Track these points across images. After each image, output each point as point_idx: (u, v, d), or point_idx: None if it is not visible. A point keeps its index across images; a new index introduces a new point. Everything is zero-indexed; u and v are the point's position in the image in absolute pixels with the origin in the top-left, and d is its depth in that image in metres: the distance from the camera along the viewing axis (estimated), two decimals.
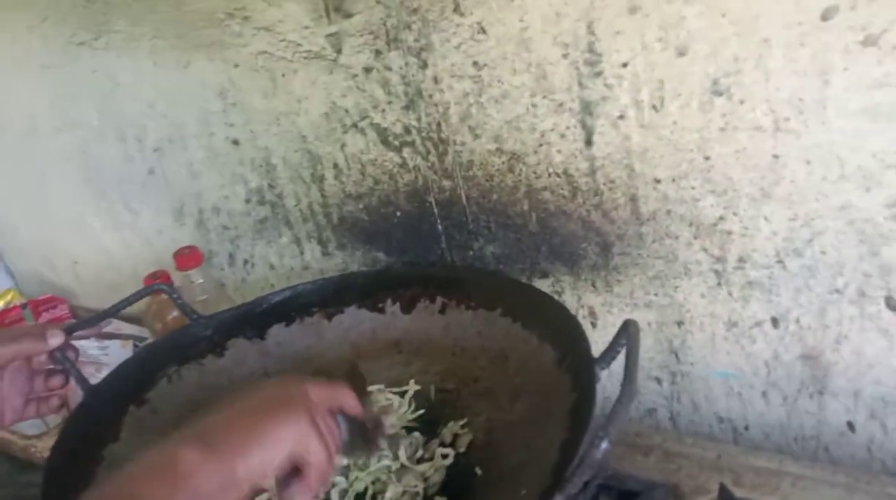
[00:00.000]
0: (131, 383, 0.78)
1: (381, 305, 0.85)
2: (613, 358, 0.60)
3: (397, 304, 0.85)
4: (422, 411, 0.75)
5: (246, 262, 1.11)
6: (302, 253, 1.04)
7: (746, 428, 0.80)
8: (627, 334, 0.58)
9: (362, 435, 0.64)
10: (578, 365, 0.63)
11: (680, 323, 0.79)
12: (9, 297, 1.29)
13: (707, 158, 0.69)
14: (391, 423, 0.73)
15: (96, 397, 0.75)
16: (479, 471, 0.67)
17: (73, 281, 1.35)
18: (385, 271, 0.95)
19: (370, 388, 0.76)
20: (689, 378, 0.81)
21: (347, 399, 0.61)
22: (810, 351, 0.73)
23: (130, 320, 1.14)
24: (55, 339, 0.73)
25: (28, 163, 1.27)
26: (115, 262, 1.26)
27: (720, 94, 0.66)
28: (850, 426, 0.74)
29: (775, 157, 0.66)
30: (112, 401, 0.75)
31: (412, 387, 0.77)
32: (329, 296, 0.86)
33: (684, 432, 0.83)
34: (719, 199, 0.71)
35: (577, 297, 0.84)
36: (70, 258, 1.34)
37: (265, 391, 0.57)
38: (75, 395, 0.86)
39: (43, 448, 1.04)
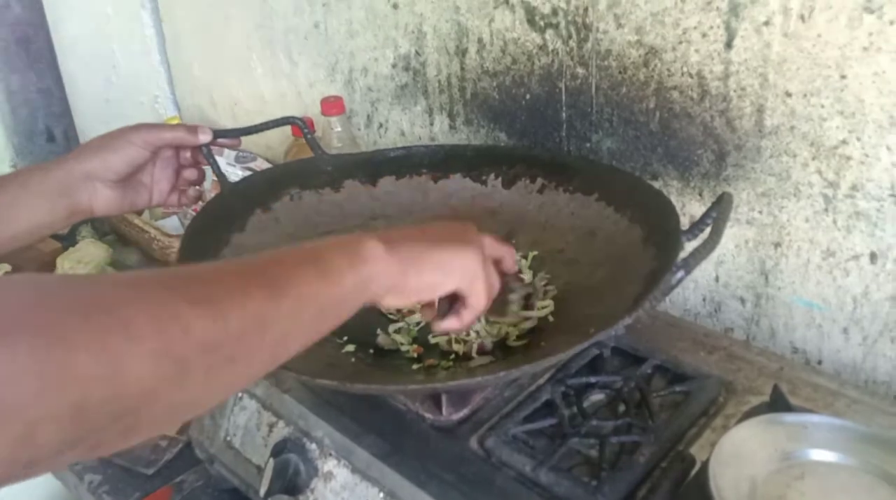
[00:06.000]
0: (261, 190, 0.87)
1: (484, 177, 0.91)
2: (701, 230, 0.62)
3: (499, 179, 0.90)
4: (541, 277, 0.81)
5: (381, 125, 1.19)
6: (432, 124, 1.10)
7: (819, 362, 0.81)
8: (720, 205, 0.59)
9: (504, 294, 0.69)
10: (665, 236, 0.66)
11: (777, 245, 0.79)
12: (173, 122, 1.44)
13: (843, 77, 0.69)
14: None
15: (232, 192, 0.85)
16: (551, 318, 0.73)
17: (229, 120, 1.49)
18: (493, 147, 1.01)
19: None
20: (772, 303, 0.82)
21: (508, 258, 0.66)
22: None
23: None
24: (205, 135, 0.83)
25: (216, 4, 1.39)
26: (269, 108, 1.37)
27: (871, 11, 0.65)
28: None
29: None
30: (244, 199, 0.85)
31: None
32: (439, 161, 0.92)
33: None
34: (846, 121, 0.70)
35: (681, 204, 0.85)
36: (231, 99, 1.47)
37: (445, 225, 0.62)
38: (208, 196, 0.98)
39: None
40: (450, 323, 0.61)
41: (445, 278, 0.56)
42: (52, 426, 0.32)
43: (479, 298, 0.59)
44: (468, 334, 0.73)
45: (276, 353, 0.45)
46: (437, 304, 0.61)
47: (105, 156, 0.77)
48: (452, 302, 0.61)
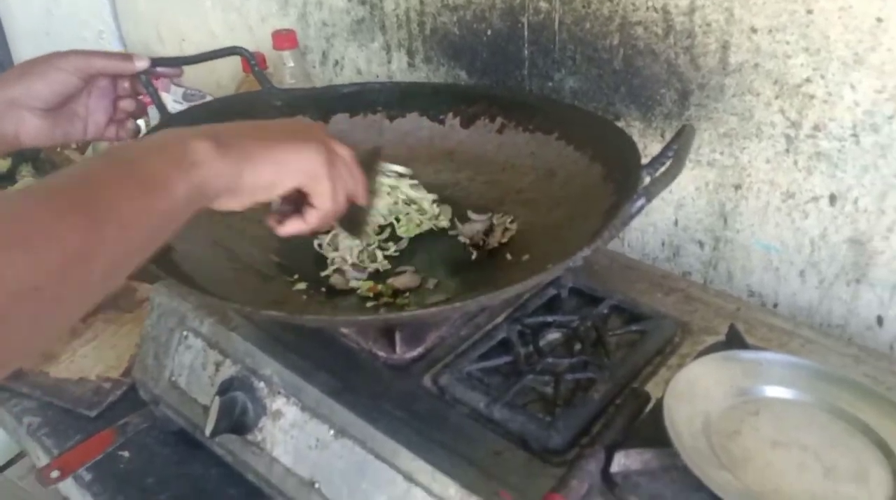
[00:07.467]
0: (205, 123, 0.83)
1: (442, 117, 0.88)
2: (662, 164, 0.60)
3: (458, 118, 0.87)
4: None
5: (336, 63, 1.14)
6: (389, 61, 1.06)
7: (775, 305, 0.81)
8: (681, 137, 0.58)
9: (354, 217, 0.65)
10: (624, 172, 0.64)
11: (738, 187, 0.79)
12: None
13: (809, 12, 0.67)
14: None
15: (172, 124, 0.80)
16: (508, 256, 0.71)
17: None
18: (452, 85, 0.98)
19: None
20: (731, 246, 0.82)
21: (360, 187, 0.61)
22: (860, 236, 0.72)
23: None
24: (142, 62, 0.78)
25: None
26: (218, 43, 1.31)
27: None
28: (880, 320, 0.74)
29: (878, 20, 0.64)
30: None
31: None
32: (395, 99, 0.89)
33: None
34: (811, 58, 0.69)
35: (643, 145, 0.84)
36: (179, 35, 1.41)
37: (287, 122, 0.57)
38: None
39: None
40: (294, 225, 0.57)
41: (284, 177, 0.52)
42: None
43: (323, 198, 0.55)
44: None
45: (107, 281, 0.41)
46: (275, 205, 0.57)
47: (29, 82, 0.71)
48: (297, 202, 0.56)
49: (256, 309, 0.54)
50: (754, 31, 0.71)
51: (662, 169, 0.56)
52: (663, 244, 0.88)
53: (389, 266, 0.74)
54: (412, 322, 0.65)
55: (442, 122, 0.88)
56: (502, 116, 0.84)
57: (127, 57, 0.77)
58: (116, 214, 0.40)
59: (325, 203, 0.56)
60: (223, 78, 1.30)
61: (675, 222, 0.85)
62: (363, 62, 1.10)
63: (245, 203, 0.52)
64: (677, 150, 0.56)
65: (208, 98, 1.27)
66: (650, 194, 0.49)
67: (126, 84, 0.80)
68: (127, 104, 0.80)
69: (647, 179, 0.61)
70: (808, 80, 0.70)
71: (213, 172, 0.47)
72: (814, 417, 0.56)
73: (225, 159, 0.48)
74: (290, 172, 0.53)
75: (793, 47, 0.69)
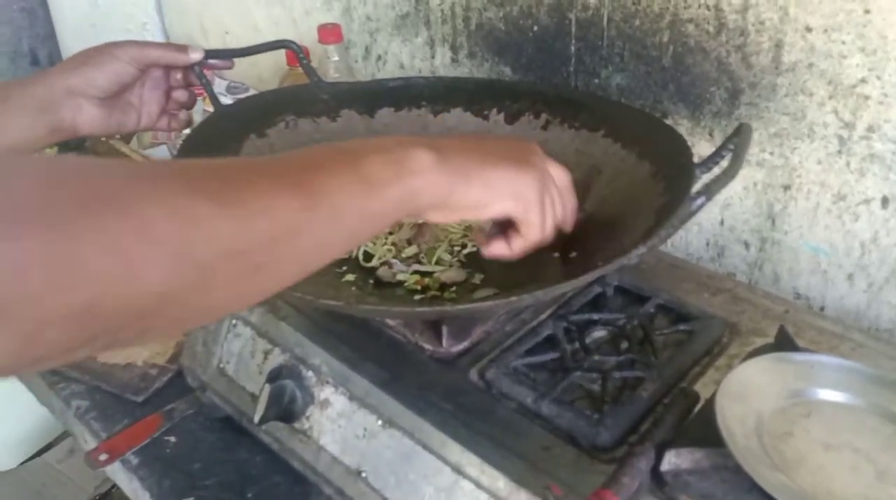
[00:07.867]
0: (255, 115, 0.84)
1: (486, 112, 0.88)
2: (716, 163, 0.60)
3: (502, 114, 0.87)
4: None
5: (379, 58, 1.15)
6: (433, 56, 1.07)
7: (822, 309, 0.80)
8: (739, 136, 0.57)
9: None
10: (676, 170, 0.64)
11: (787, 188, 0.78)
12: None
13: (867, 12, 0.66)
14: None
15: (225, 115, 0.82)
16: (556, 255, 0.71)
17: None
18: (496, 81, 0.97)
19: None
20: (778, 247, 0.81)
21: (570, 216, 0.60)
22: None
23: None
24: (196, 54, 0.80)
25: None
26: (262, 37, 1.32)
27: None
28: None
29: None
30: (238, 123, 0.81)
31: None
32: (439, 94, 0.89)
33: None
34: (867, 58, 0.68)
35: (690, 143, 0.83)
36: (222, 28, 1.42)
37: (508, 142, 0.56)
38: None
39: None
40: (498, 248, 0.57)
41: (494, 200, 0.51)
42: (61, 324, 0.30)
43: (531, 228, 0.54)
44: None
45: (307, 263, 0.42)
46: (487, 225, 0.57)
47: (88, 71, 0.73)
48: (506, 225, 0.56)
49: (315, 299, 0.54)
50: (809, 30, 0.70)
51: (717, 168, 0.55)
52: (708, 244, 0.87)
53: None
54: (462, 316, 0.65)
55: (486, 117, 0.88)
56: (547, 112, 0.84)
57: (182, 48, 0.79)
58: (330, 201, 0.41)
59: (532, 233, 0.55)
60: (265, 72, 1.32)
61: (721, 222, 0.85)
62: (406, 57, 1.11)
63: (451, 219, 0.52)
64: (734, 149, 0.56)
65: (251, 91, 1.29)
66: (710, 193, 0.49)
67: (179, 75, 0.81)
68: (179, 95, 0.82)
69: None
70: (863, 80, 0.69)
71: (428, 182, 0.47)
72: (866, 420, 0.55)
73: (441, 173, 0.48)
74: (501, 197, 0.52)
75: (849, 47, 0.69)
